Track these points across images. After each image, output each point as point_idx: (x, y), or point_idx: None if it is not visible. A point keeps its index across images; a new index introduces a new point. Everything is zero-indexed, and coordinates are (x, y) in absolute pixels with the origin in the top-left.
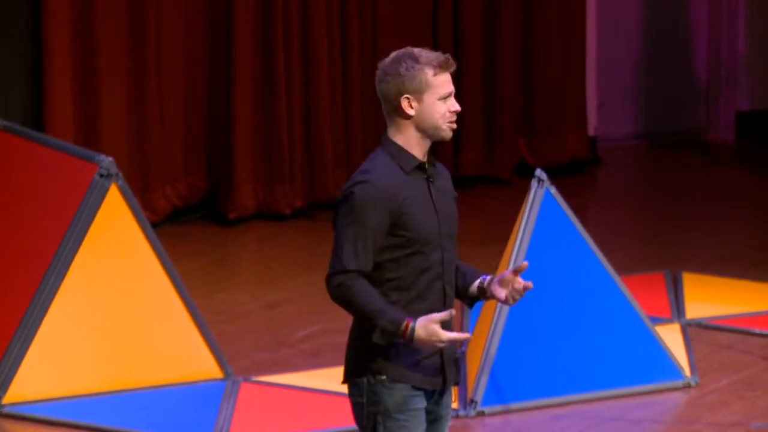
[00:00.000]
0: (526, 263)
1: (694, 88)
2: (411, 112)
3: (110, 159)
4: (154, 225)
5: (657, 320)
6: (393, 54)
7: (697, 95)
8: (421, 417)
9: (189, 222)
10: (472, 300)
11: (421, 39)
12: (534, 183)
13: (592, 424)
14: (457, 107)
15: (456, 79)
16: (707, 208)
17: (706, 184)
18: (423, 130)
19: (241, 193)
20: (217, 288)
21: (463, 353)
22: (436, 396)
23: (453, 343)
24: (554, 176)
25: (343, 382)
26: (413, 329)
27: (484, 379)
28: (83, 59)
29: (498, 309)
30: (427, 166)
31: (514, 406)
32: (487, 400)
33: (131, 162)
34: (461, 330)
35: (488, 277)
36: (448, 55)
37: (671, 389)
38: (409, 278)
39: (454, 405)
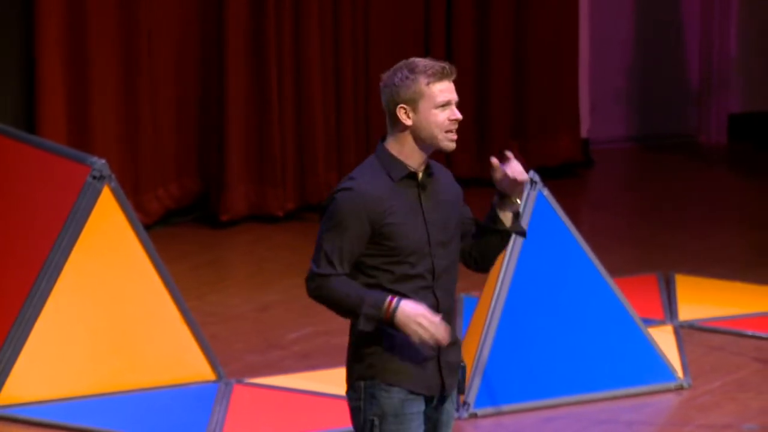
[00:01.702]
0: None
1: (686, 91)
2: (408, 122)
3: (103, 161)
4: (147, 227)
5: (649, 322)
6: (396, 64)
7: (689, 98)
8: (419, 421)
9: (181, 224)
10: (504, 231)
11: (413, 42)
12: (527, 185)
13: (585, 426)
14: (458, 115)
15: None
16: (699, 211)
17: (698, 186)
18: (421, 140)
19: (233, 196)
20: (209, 290)
21: None
22: (435, 401)
23: (437, 337)
24: (546, 178)
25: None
26: (396, 308)
27: (477, 381)
28: (75, 61)
29: (491, 311)
30: (420, 175)
31: (507, 408)
32: (479, 402)
33: (123, 164)
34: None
35: (493, 203)
36: (445, 64)
37: (663, 391)
38: (388, 284)
39: None
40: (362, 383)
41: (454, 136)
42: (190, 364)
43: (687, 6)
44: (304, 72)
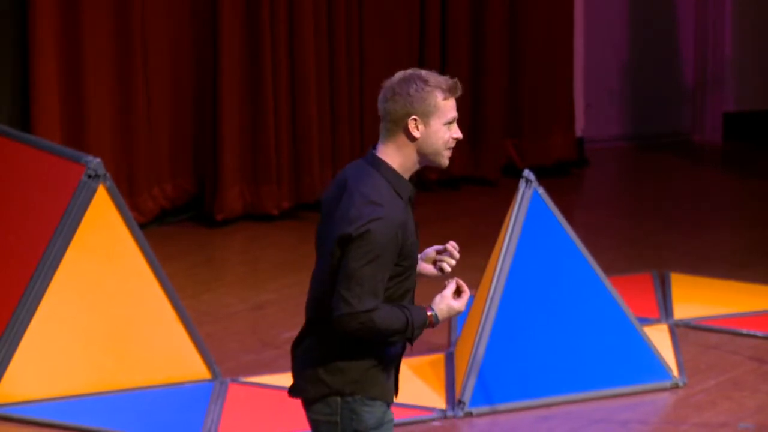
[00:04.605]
0: (451, 244)
1: (681, 90)
2: (417, 134)
3: (98, 160)
4: (142, 226)
5: (645, 321)
6: (400, 74)
7: (683, 97)
8: (392, 427)
9: (176, 223)
10: None
11: (408, 40)
12: (522, 183)
13: (580, 425)
14: (460, 135)
15: None
16: (694, 209)
17: (693, 185)
18: (423, 154)
19: (228, 195)
20: (204, 289)
21: (451, 354)
22: None
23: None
24: (541, 177)
25: (306, 400)
26: (435, 316)
27: (472, 380)
28: (70, 60)
29: (486, 310)
30: (411, 192)
31: (502, 406)
32: (474, 401)
33: (119, 163)
34: (449, 332)
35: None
36: (456, 80)
37: (659, 390)
38: (395, 300)
39: (442, 406)
40: (338, 399)
41: (450, 153)
42: (186, 363)
43: (682, 5)
44: (299, 71)
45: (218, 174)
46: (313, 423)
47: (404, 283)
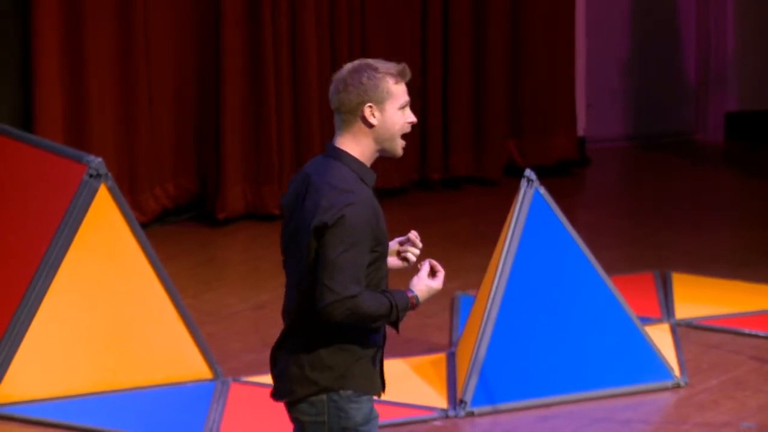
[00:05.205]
0: (413, 234)
1: (683, 89)
2: (374, 121)
3: (99, 159)
4: (143, 225)
5: (646, 320)
6: (349, 65)
7: (685, 96)
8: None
9: (178, 222)
10: None
11: (410, 41)
12: (523, 183)
13: (582, 425)
14: (413, 119)
15: (444, 79)
16: (696, 209)
17: (695, 184)
18: (380, 142)
19: (230, 194)
20: (206, 288)
21: (453, 353)
22: None
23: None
24: (543, 177)
25: (289, 401)
26: (416, 297)
27: (474, 380)
28: (72, 59)
29: (487, 309)
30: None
31: (504, 406)
32: (476, 401)
33: (120, 162)
34: (451, 332)
35: None
36: (404, 65)
37: (661, 389)
38: (368, 287)
39: (444, 405)
40: (324, 396)
41: (404, 143)
42: (187, 363)
43: (684, 4)
44: (301, 71)
45: (220, 173)
46: (298, 423)
47: (380, 271)
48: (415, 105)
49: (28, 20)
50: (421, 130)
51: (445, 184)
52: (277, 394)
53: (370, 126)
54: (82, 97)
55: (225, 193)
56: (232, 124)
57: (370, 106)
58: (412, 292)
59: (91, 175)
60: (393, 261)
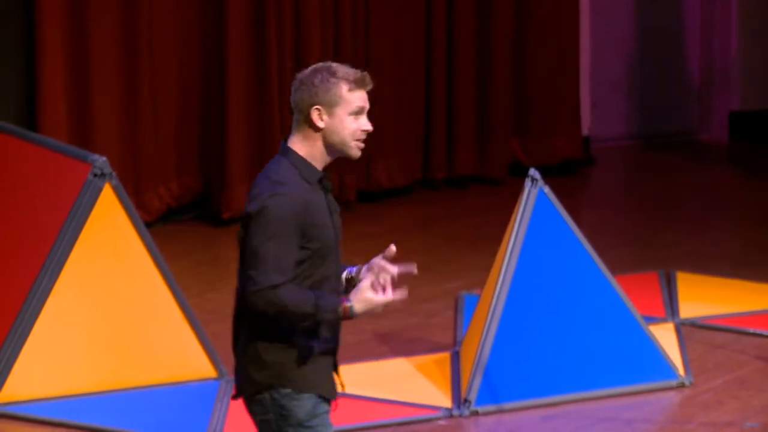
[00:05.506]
0: (394, 249)
1: (687, 89)
2: (321, 124)
3: (104, 158)
4: (148, 225)
5: (651, 320)
6: (313, 66)
7: (689, 95)
8: (329, 419)
9: (182, 222)
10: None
11: (413, 42)
12: (528, 182)
13: (586, 424)
14: (369, 127)
15: (449, 78)
16: (700, 208)
17: (699, 184)
18: (329, 145)
19: (234, 193)
20: (209, 288)
21: (457, 353)
22: None
23: (397, 299)
24: (547, 176)
25: (237, 397)
26: (352, 308)
27: (478, 379)
28: (76, 59)
29: (492, 309)
30: (324, 179)
31: (508, 405)
32: (480, 400)
33: (125, 162)
34: (455, 331)
35: (355, 268)
36: (365, 73)
37: (665, 389)
38: (309, 287)
39: (448, 404)
40: (267, 395)
41: (362, 145)
42: (192, 362)
43: (688, 4)
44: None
45: (224, 173)
46: (256, 424)
47: (320, 269)
48: (419, 104)
49: (32, 20)
50: (426, 129)
51: (450, 184)
52: (236, 392)
53: (317, 129)
54: (87, 96)
55: (229, 192)
56: (237, 123)
57: (318, 109)
58: (349, 301)
59: (95, 175)
60: (365, 275)
